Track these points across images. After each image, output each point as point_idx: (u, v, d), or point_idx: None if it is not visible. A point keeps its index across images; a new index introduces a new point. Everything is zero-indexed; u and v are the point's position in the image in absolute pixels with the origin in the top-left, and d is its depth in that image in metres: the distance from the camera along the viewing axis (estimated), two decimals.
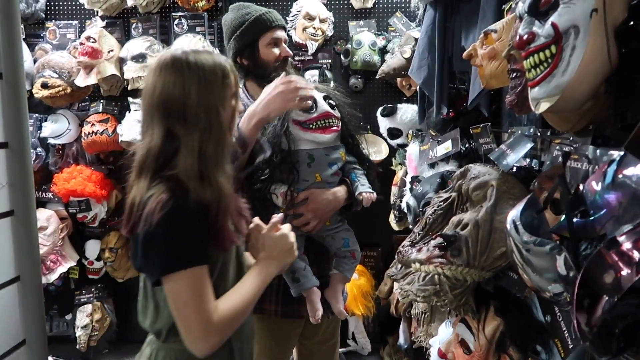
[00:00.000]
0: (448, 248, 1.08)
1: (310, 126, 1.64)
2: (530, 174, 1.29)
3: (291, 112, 1.64)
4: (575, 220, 0.85)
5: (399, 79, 3.03)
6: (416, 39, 2.69)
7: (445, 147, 2.12)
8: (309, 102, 1.62)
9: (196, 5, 3.18)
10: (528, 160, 1.46)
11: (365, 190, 1.69)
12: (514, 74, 1.11)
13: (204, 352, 1.13)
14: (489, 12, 1.88)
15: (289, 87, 1.60)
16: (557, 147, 1.18)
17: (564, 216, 0.89)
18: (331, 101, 1.70)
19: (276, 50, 1.88)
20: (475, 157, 2.12)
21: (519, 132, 1.28)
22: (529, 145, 1.12)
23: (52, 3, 3.42)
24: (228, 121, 1.21)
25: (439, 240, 1.10)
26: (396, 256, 1.23)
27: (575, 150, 0.95)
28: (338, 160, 1.71)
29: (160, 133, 1.14)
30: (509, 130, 1.29)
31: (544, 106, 0.89)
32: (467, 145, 2.13)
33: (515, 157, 1.11)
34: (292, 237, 1.33)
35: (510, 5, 1.71)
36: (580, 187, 0.88)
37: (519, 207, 0.88)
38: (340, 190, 1.73)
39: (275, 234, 1.32)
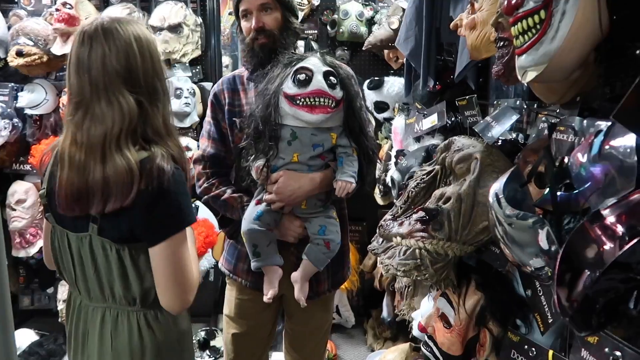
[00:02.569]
0: (430, 222, 1.06)
1: (298, 102, 1.49)
2: (515, 147, 1.27)
3: (285, 82, 1.52)
4: (559, 193, 0.83)
5: (386, 51, 2.97)
6: (404, 10, 2.63)
7: (431, 121, 2.09)
8: (303, 75, 1.50)
9: None
10: (514, 133, 1.44)
11: (342, 178, 1.54)
12: (502, 43, 1.07)
13: (184, 307, 1.21)
14: None
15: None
16: (544, 120, 1.15)
17: (547, 190, 0.87)
18: (333, 78, 1.53)
19: (245, 24, 1.74)
20: (461, 131, 2.09)
21: (505, 104, 1.25)
22: (514, 117, 1.09)
23: None
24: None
25: (421, 214, 1.08)
26: (377, 230, 1.21)
27: (561, 121, 0.93)
28: (325, 142, 1.56)
29: (130, 100, 1.15)
30: (495, 103, 1.26)
31: (530, 75, 0.86)
32: (453, 119, 2.10)
33: (500, 129, 1.08)
34: None
35: None
36: (566, 159, 0.86)
37: (502, 179, 0.86)
38: (317, 178, 1.59)
39: None
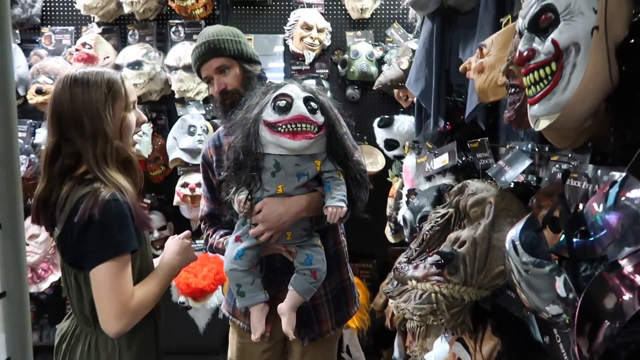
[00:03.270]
0: (445, 266, 1.06)
1: (279, 129, 1.44)
2: (527, 190, 1.28)
3: (264, 110, 1.47)
4: (575, 240, 0.84)
5: (395, 90, 3.03)
6: (413, 51, 2.69)
7: (442, 160, 2.11)
8: (283, 102, 1.45)
9: (193, 13, 3.18)
10: (525, 175, 1.45)
11: (332, 203, 1.47)
12: (513, 90, 1.09)
13: (118, 332, 1.33)
14: (487, 26, 1.88)
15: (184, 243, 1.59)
16: (556, 164, 1.16)
17: (563, 236, 0.88)
18: (313, 104, 1.48)
19: (211, 88, 1.80)
20: (472, 171, 2.11)
21: (517, 147, 1.27)
22: (527, 162, 1.10)
23: (48, 8, 3.40)
24: (116, 128, 1.41)
25: (436, 257, 1.08)
26: (392, 272, 1.21)
27: (575, 168, 0.94)
28: (309, 170, 1.51)
29: (55, 137, 1.37)
30: (507, 146, 1.28)
31: (543, 124, 0.88)
32: (464, 159, 2.12)
33: (513, 174, 1.09)
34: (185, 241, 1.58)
35: (508, 19, 1.71)
36: (580, 206, 0.87)
37: (518, 226, 0.87)
38: (302, 200, 1.54)
39: (174, 240, 1.59)
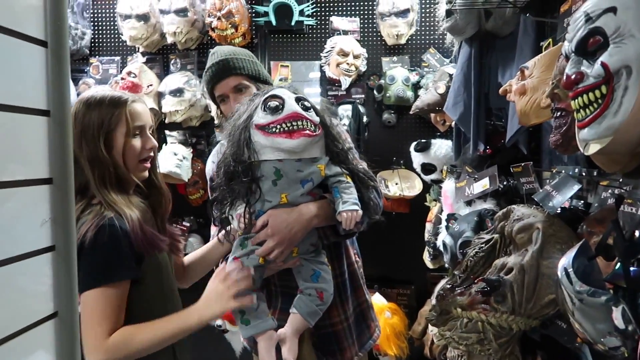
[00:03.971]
0: (492, 293, 1.03)
1: (273, 129, 1.32)
2: (575, 215, 1.24)
3: (255, 114, 1.36)
4: (632, 269, 0.80)
5: (432, 115, 3.02)
6: (450, 75, 2.69)
7: (483, 185, 2.08)
8: (274, 102, 1.35)
9: (232, 42, 3.27)
10: (570, 201, 1.41)
11: (346, 208, 1.34)
12: (559, 113, 1.08)
13: None
14: (526, 49, 1.86)
15: (226, 284, 1.36)
16: (606, 189, 1.13)
17: (618, 264, 0.84)
18: (306, 103, 1.39)
19: (225, 107, 1.74)
20: (513, 195, 2.06)
21: (563, 172, 1.24)
22: (576, 187, 1.07)
23: (97, 40, 3.57)
24: (118, 153, 1.38)
25: (482, 284, 1.05)
26: (434, 299, 1.18)
27: (629, 194, 0.91)
28: (313, 175, 1.38)
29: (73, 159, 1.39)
30: (554, 170, 1.25)
31: (593, 148, 0.85)
32: (505, 183, 2.08)
33: (561, 199, 1.07)
34: (226, 283, 1.35)
35: (549, 42, 1.69)
36: (637, 233, 0.84)
37: (570, 253, 0.84)
38: (310, 208, 1.39)
39: (219, 273, 1.40)
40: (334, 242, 1.55)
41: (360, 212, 1.37)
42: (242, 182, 1.33)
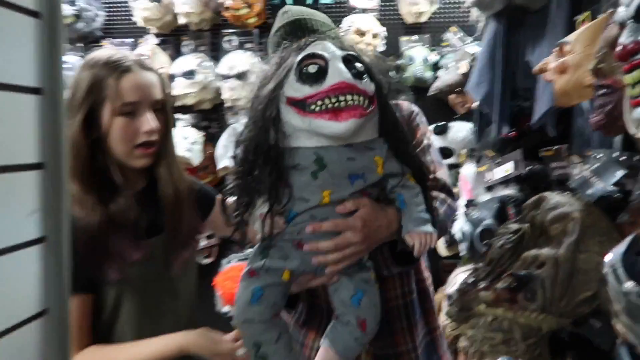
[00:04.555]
0: (521, 290, 0.94)
1: (313, 107, 0.97)
2: (612, 204, 1.13)
3: (286, 82, 1.02)
4: None
5: (452, 96, 2.89)
6: (472, 55, 2.56)
7: (505, 170, 1.96)
8: (313, 66, 0.99)
9: (247, 22, 3.18)
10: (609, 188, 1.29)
11: (419, 229, 1.04)
12: (603, 91, 0.96)
13: None
14: (560, 25, 1.73)
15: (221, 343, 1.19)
16: None
17: None
18: (358, 65, 1.02)
19: None
20: (538, 182, 1.94)
21: (601, 155, 1.13)
22: (619, 173, 0.96)
23: (109, 22, 3.51)
24: (104, 133, 1.17)
25: (509, 280, 0.96)
26: (455, 294, 1.09)
27: None
28: (367, 171, 1.04)
29: None
30: (592, 154, 1.14)
31: None
32: (529, 168, 1.96)
33: (602, 185, 0.96)
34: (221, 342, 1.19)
35: (586, 16, 1.55)
36: None
37: (619, 249, 0.74)
38: (392, 215, 1.10)
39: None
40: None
41: (435, 235, 1.07)
42: (267, 174, 1.00)
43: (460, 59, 2.59)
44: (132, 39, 3.44)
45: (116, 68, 1.17)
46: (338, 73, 0.98)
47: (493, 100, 1.96)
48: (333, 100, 0.97)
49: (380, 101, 1.04)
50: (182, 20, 3.22)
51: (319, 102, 0.97)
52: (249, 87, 3.31)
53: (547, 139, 1.88)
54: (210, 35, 3.34)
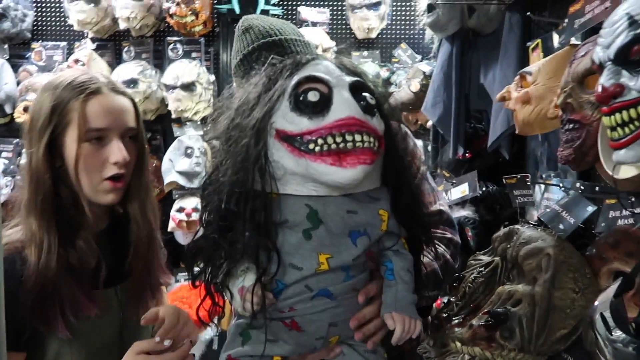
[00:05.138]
0: (498, 327, 0.92)
1: (312, 146, 0.79)
2: (576, 236, 1.14)
3: (276, 109, 0.83)
4: None
5: (404, 113, 2.91)
6: (424, 73, 2.58)
7: (462, 191, 1.98)
8: (314, 93, 0.80)
9: (192, 30, 3.06)
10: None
11: (403, 313, 0.87)
12: (571, 125, 0.97)
13: None
14: (512, 49, 1.77)
15: None
16: (614, 208, 1.03)
17: None
18: (367, 96, 0.83)
19: None
20: (492, 203, 1.98)
21: (568, 185, 1.14)
22: (590, 209, 0.97)
23: (40, 23, 3.26)
24: (69, 163, 1.02)
25: (486, 317, 0.94)
26: (429, 330, 1.06)
27: None
28: (371, 226, 0.86)
29: None
30: (559, 185, 1.14)
31: (628, 172, 0.75)
32: (484, 189, 1.99)
33: (574, 221, 0.96)
34: None
35: (537, 43, 1.60)
36: None
37: (607, 295, 0.73)
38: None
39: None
40: None
41: (421, 324, 0.89)
42: (252, 232, 0.80)
43: (413, 76, 2.61)
44: (66, 43, 3.23)
45: (83, 90, 1.04)
46: (346, 105, 0.79)
47: (448, 121, 1.98)
48: (338, 139, 0.78)
49: (387, 141, 0.86)
50: (122, 25, 3.04)
51: (320, 141, 0.78)
52: (195, 97, 3.24)
53: (501, 160, 1.92)
54: (153, 42, 3.19)
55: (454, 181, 2.01)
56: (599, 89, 0.73)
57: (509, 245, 1.04)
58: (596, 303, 0.73)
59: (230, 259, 0.83)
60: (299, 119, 0.80)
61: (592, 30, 1.07)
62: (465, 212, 1.93)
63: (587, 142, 0.94)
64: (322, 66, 0.85)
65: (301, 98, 0.81)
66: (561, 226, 0.97)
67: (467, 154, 2.02)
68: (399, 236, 0.90)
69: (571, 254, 0.96)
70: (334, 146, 0.78)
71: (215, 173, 0.86)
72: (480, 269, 1.07)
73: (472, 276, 1.06)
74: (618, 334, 0.68)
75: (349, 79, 0.84)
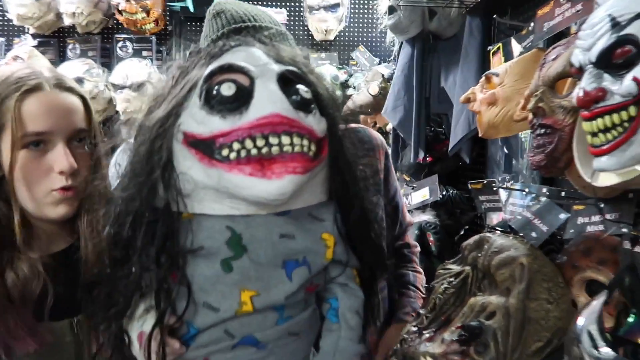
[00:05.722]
0: (471, 342, 0.88)
1: (226, 153, 0.64)
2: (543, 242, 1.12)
3: (185, 107, 0.68)
4: None
5: (362, 116, 2.88)
6: (383, 76, 2.56)
7: (422, 195, 1.96)
8: (228, 85, 0.65)
9: (143, 27, 2.92)
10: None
11: (343, 354, 0.73)
12: (542, 130, 0.94)
13: None
14: (472, 53, 1.76)
15: None
16: (584, 214, 1.02)
17: (633, 317, 0.71)
18: (301, 88, 0.69)
19: None
20: (453, 207, 1.97)
21: (534, 191, 1.12)
22: (563, 217, 0.94)
23: None
24: (5, 172, 0.87)
25: (459, 332, 0.89)
26: (399, 345, 1.01)
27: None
28: (312, 254, 0.69)
29: None
30: (524, 190, 1.12)
31: (609, 179, 0.72)
32: (444, 193, 1.98)
33: (547, 229, 0.93)
34: None
35: (498, 47, 1.59)
36: None
37: (594, 310, 0.69)
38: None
39: None
40: None
41: None
42: (152, 262, 0.64)
43: (371, 79, 2.57)
44: (4, 39, 3.02)
45: (19, 87, 0.88)
46: (270, 99, 0.63)
47: (409, 125, 1.95)
48: (260, 143, 0.62)
49: (332, 144, 0.70)
50: (67, 21, 2.87)
51: (236, 146, 0.62)
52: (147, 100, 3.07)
53: (462, 163, 1.91)
54: (101, 40, 3.03)
55: (415, 185, 1.99)
56: (580, 92, 0.70)
57: (479, 254, 1.00)
58: (581, 318, 0.70)
59: (126, 297, 0.65)
60: (209, 119, 0.64)
61: (556, 35, 1.07)
62: (426, 217, 1.91)
63: (559, 148, 0.91)
64: (245, 53, 0.69)
65: (214, 92, 0.64)
66: (533, 234, 0.94)
67: (427, 158, 2.00)
68: (346, 264, 0.72)
69: (544, 263, 0.93)
70: (254, 151, 0.62)
71: (116, 188, 0.69)
72: (450, 279, 1.02)
73: (442, 287, 1.01)
74: (605, 350, 0.65)
75: (278, 67, 0.67)
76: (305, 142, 0.65)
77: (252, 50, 0.70)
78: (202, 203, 0.65)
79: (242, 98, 0.64)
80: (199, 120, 0.65)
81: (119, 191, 0.68)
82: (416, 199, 1.97)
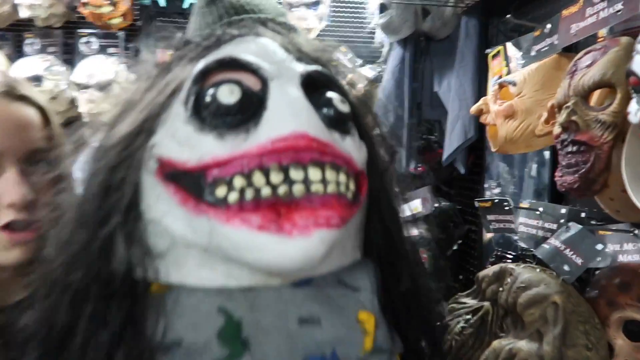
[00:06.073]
0: None
1: (221, 193, 0.41)
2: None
3: (163, 117, 0.45)
4: None
5: None
6: (367, 78, 2.43)
7: (414, 207, 1.83)
8: (230, 89, 0.42)
9: (109, 22, 2.72)
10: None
11: None
12: (575, 147, 0.82)
13: None
14: (469, 56, 1.65)
15: None
16: (615, 241, 0.90)
17: None
18: (337, 99, 0.46)
19: None
20: (446, 220, 1.85)
21: (577, 225, 0.97)
22: (599, 247, 0.82)
23: None
24: None
25: None
26: None
27: None
28: (345, 346, 0.42)
29: None
30: (537, 209, 0.99)
31: None
32: (436, 205, 1.86)
33: (582, 262, 0.81)
34: None
35: (498, 50, 1.48)
36: None
37: None
38: None
39: None
40: None
41: None
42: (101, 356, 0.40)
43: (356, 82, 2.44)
44: None
45: None
46: (292, 111, 0.42)
47: (400, 132, 1.83)
48: (275, 178, 0.40)
49: (373, 181, 0.49)
50: (24, 14, 2.66)
51: (239, 182, 0.40)
52: (113, 100, 2.87)
53: (456, 173, 1.80)
54: (63, 35, 2.82)
55: (405, 197, 1.86)
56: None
57: (501, 288, 0.87)
58: None
59: None
60: (199, 138, 0.42)
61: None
62: (419, 231, 1.78)
63: (595, 168, 0.80)
64: (254, 45, 0.47)
65: (208, 98, 0.42)
66: (566, 267, 0.81)
67: (419, 168, 1.88)
68: (391, 353, 0.48)
69: (579, 302, 0.81)
70: (266, 192, 0.40)
71: (51, 243, 0.45)
72: (467, 317, 0.89)
73: (458, 326, 0.88)
74: None
75: (303, 67, 0.46)
76: (343, 177, 0.43)
77: (263, 42, 0.48)
78: (182, 269, 0.42)
79: (250, 109, 0.42)
80: (182, 141, 0.42)
81: (55, 249, 0.44)
82: (406, 211, 1.85)
